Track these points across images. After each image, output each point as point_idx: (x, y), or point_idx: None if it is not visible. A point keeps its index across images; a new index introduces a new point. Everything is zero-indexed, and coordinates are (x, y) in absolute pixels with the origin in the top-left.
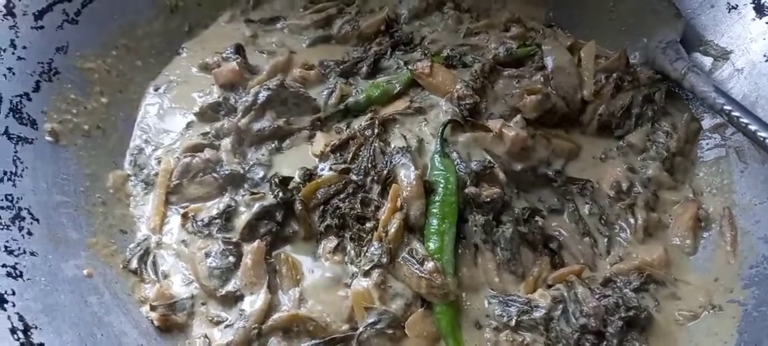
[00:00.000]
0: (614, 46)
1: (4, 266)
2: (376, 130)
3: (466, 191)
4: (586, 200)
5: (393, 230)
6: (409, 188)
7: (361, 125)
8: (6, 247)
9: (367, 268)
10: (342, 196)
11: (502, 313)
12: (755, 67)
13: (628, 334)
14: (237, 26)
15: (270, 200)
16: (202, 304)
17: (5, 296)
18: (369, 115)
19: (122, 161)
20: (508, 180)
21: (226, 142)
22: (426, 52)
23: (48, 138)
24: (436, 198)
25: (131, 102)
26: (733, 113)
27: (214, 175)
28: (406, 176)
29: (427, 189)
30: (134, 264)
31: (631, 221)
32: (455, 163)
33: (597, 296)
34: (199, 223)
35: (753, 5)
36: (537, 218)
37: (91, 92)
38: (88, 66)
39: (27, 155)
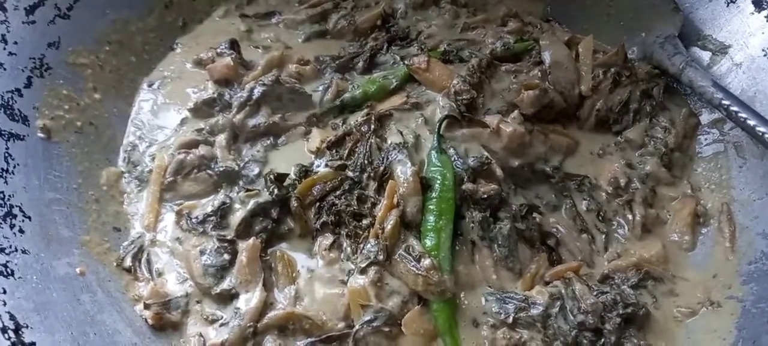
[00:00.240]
0: (612, 41)
1: None
2: (372, 126)
3: (463, 187)
4: (584, 196)
5: (389, 226)
6: (405, 185)
7: (357, 121)
8: None
9: (363, 265)
10: (338, 192)
11: (499, 310)
12: (754, 62)
13: (626, 331)
14: (232, 21)
15: (265, 196)
16: (197, 302)
17: None
18: (365, 110)
19: (116, 158)
20: (505, 176)
21: (221, 139)
22: (422, 47)
23: (40, 134)
24: (433, 194)
25: (125, 98)
26: (732, 108)
27: (209, 172)
28: (403, 172)
29: (424, 185)
30: (128, 262)
31: (629, 217)
32: (452, 159)
33: (595, 293)
34: (194, 220)
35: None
36: (534, 214)
37: (84, 88)
38: (81, 61)
39: (18, 152)
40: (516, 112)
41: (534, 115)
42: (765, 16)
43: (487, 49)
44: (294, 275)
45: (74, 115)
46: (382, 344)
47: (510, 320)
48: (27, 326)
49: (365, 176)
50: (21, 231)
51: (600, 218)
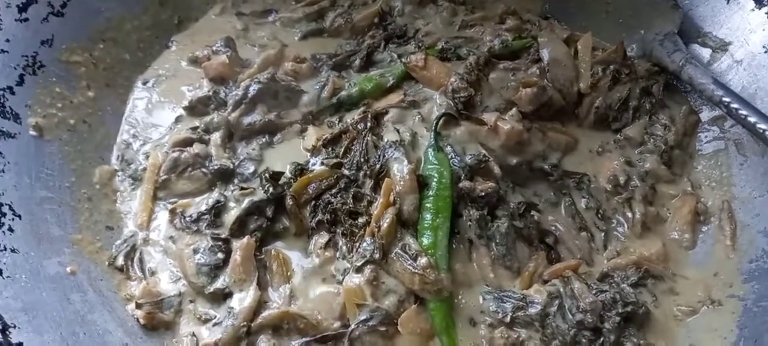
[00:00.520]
0: (611, 39)
1: None
2: (368, 124)
3: (461, 185)
4: (583, 194)
5: (385, 225)
6: (402, 183)
7: (353, 119)
8: None
9: (359, 264)
10: (334, 191)
11: (497, 309)
12: (754, 59)
13: (625, 330)
14: (228, 19)
15: (260, 195)
16: (190, 301)
17: None
18: (362, 108)
19: (109, 156)
20: (503, 174)
21: (216, 137)
22: (420, 44)
23: (32, 133)
24: (430, 192)
25: (119, 96)
26: (732, 105)
27: (203, 170)
28: (399, 170)
29: (421, 183)
30: (120, 261)
31: (629, 215)
32: (449, 157)
33: (594, 292)
34: (188, 219)
35: None
36: (533, 212)
37: (78, 86)
38: (75, 59)
39: (9, 150)
40: (514, 109)
41: (532, 113)
42: (766, 13)
43: (485, 47)
44: (289, 273)
45: (67, 113)
46: (378, 344)
47: (508, 319)
48: (14, 326)
49: (361, 174)
50: (10, 230)
51: (599, 216)
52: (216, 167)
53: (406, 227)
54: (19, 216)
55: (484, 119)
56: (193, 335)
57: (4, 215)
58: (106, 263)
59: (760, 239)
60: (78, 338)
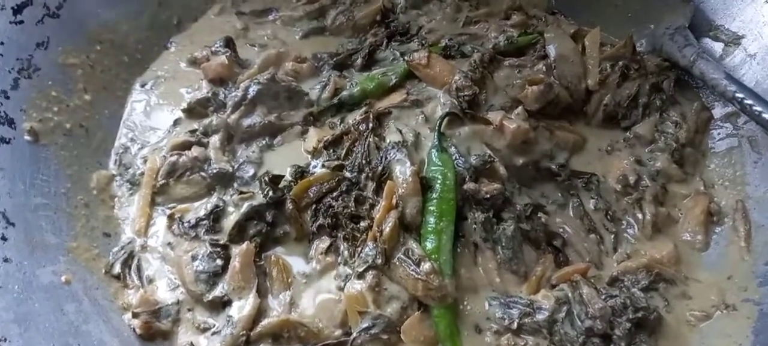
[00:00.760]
0: (620, 33)
1: None
2: (370, 125)
3: (465, 187)
4: (592, 195)
5: (388, 229)
6: (404, 185)
7: (355, 120)
8: None
9: (360, 269)
10: (335, 194)
11: (503, 315)
12: None
13: (636, 336)
14: (227, 19)
15: (260, 199)
16: (189, 310)
17: None
18: (364, 109)
19: (107, 161)
20: (509, 175)
21: (215, 140)
22: (423, 42)
23: (27, 137)
24: (434, 195)
25: (116, 99)
26: (746, 101)
27: (202, 174)
28: (402, 172)
29: (424, 186)
30: (117, 269)
31: (639, 216)
32: (453, 158)
33: (603, 297)
34: (186, 224)
35: None
36: (540, 214)
37: (74, 89)
38: (71, 62)
39: (4, 156)
40: (520, 108)
41: (539, 111)
42: None
43: (490, 44)
44: (289, 280)
45: (63, 117)
46: None
47: (514, 325)
48: (5, 340)
49: (363, 176)
50: (3, 238)
51: (608, 217)
52: (215, 171)
53: (409, 231)
54: (13, 224)
55: (489, 118)
56: (192, 344)
57: None
58: (103, 271)
59: None
60: None
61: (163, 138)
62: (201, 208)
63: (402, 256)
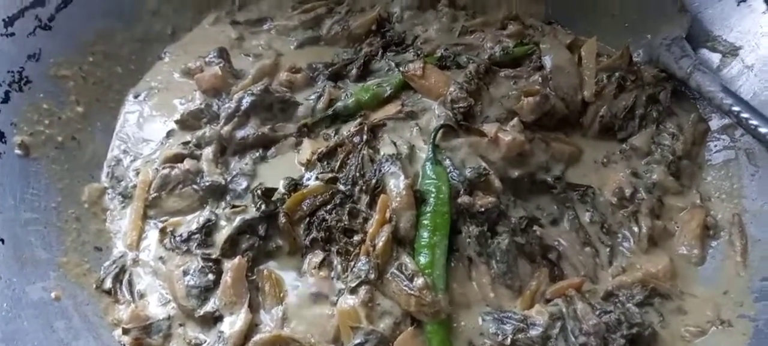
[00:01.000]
0: (617, 44)
1: None
2: (365, 137)
3: (459, 200)
4: (587, 208)
5: (381, 243)
6: (398, 199)
7: (349, 131)
8: None
9: (353, 284)
10: (329, 207)
11: (496, 331)
12: (766, 64)
13: None
14: (222, 28)
15: (252, 213)
16: (180, 325)
17: None
18: (358, 120)
19: (99, 173)
20: (504, 188)
21: (208, 152)
22: (419, 52)
23: (17, 151)
24: (428, 209)
25: (109, 110)
26: (742, 114)
27: (195, 186)
28: (396, 185)
29: (418, 199)
30: (108, 284)
31: (635, 229)
32: (448, 170)
33: (598, 313)
34: (178, 238)
35: None
36: (535, 227)
37: (66, 101)
38: (63, 73)
39: None
40: (515, 119)
41: (535, 123)
42: None
43: (486, 54)
44: (282, 295)
45: (55, 129)
46: None
47: (508, 341)
48: None
49: (357, 189)
50: None
51: (604, 230)
52: (207, 184)
53: (403, 245)
54: (2, 240)
55: (484, 130)
56: None
57: None
58: (94, 286)
59: None
60: None
61: (156, 150)
62: (193, 221)
63: (395, 271)
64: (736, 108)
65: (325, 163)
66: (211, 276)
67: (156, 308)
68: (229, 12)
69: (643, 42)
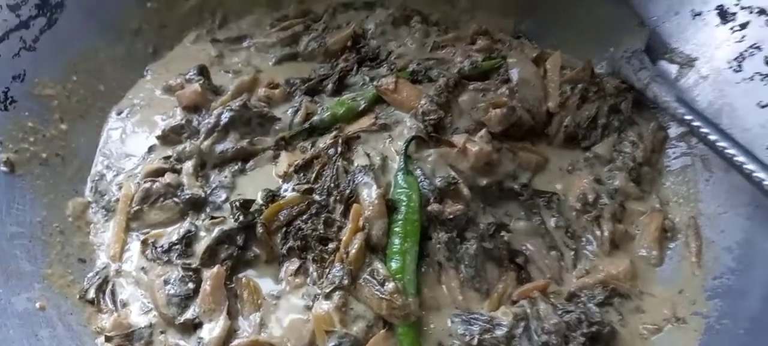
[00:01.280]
0: (583, 56)
1: None
2: (339, 149)
3: (429, 208)
4: (553, 213)
5: (354, 250)
6: (371, 208)
7: (325, 144)
8: None
9: (328, 290)
10: (305, 217)
11: (464, 332)
12: (720, 74)
13: None
14: (202, 46)
15: (231, 223)
16: (161, 332)
17: None
18: (334, 133)
19: (83, 188)
20: (473, 195)
21: (188, 166)
22: (392, 67)
23: (3, 168)
24: (399, 216)
25: (93, 127)
26: (694, 123)
27: (175, 199)
28: (368, 195)
29: (390, 208)
30: (92, 294)
31: (598, 233)
32: (419, 180)
33: (559, 312)
34: (159, 249)
35: (717, 12)
36: (503, 232)
37: (50, 119)
38: (47, 92)
39: None
40: (484, 130)
41: (502, 133)
42: (730, 29)
43: (456, 69)
44: (259, 301)
45: (40, 146)
46: None
47: (475, 341)
48: None
49: (332, 199)
50: None
51: (569, 234)
52: (187, 196)
53: (375, 252)
54: None
55: (453, 141)
56: None
57: None
58: (77, 296)
59: (725, 255)
60: None
61: (138, 165)
62: (174, 233)
63: (368, 276)
64: (688, 117)
65: (302, 174)
66: (191, 285)
67: (138, 317)
68: (210, 30)
69: (606, 55)
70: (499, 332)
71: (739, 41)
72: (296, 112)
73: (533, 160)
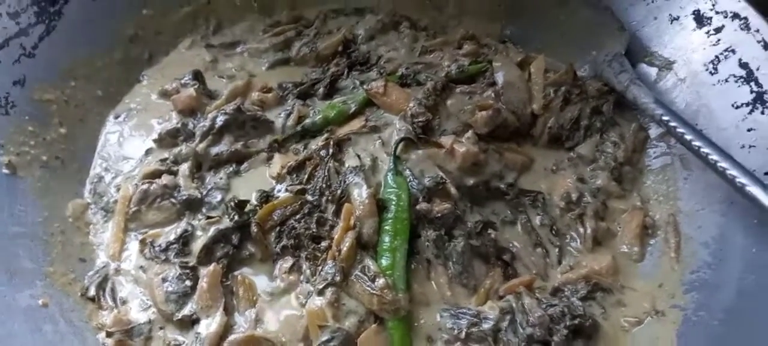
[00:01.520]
0: (567, 60)
1: None
2: (331, 151)
3: (418, 207)
4: (538, 212)
5: (346, 248)
6: (361, 207)
7: (317, 146)
8: None
9: (320, 286)
10: (298, 216)
11: (452, 326)
12: (696, 77)
13: (574, 342)
14: (197, 52)
15: (226, 223)
16: (160, 328)
17: None
18: (325, 135)
19: (82, 190)
20: (461, 195)
21: (184, 168)
22: (382, 71)
23: (5, 170)
24: (389, 215)
25: (91, 131)
26: (671, 123)
27: (172, 200)
28: (359, 194)
29: (380, 207)
30: (92, 291)
31: (581, 230)
32: (408, 180)
33: (544, 306)
34: (157, 248)
35: (693, 16)
36: (490, 230)
37: (50, 123)
38: (47, 97)
39: None
40: (470, 132)
41: (488, 135)
42: (706, 33)
43: (443, 72)
44: (254, 298)
45: (40, 150)
46: None
47: (462, 335)
48: None
49: (324, 199)
50: None
51: (553, 232)
52: (184, 197)
53: (366, 250)
54: None
55: (441, 142)
56: None
57: None
58: (79, 293)
59: (702, 250)
60: None
61: (136, 167)
62: (171, 232)
63: (359, 273)
64: (665, 118)
65: (295, 176)
66: (188, 282)
67: (137, 313)
68: (204, 36)
69: (588, 58)
70: (486, 326)
71: (715, 45)
72: (289, 115)
73: (519, 161)
